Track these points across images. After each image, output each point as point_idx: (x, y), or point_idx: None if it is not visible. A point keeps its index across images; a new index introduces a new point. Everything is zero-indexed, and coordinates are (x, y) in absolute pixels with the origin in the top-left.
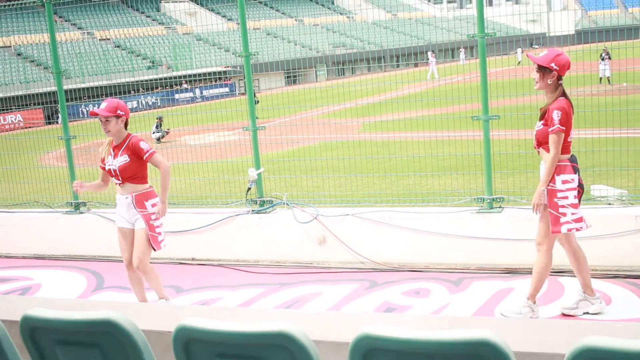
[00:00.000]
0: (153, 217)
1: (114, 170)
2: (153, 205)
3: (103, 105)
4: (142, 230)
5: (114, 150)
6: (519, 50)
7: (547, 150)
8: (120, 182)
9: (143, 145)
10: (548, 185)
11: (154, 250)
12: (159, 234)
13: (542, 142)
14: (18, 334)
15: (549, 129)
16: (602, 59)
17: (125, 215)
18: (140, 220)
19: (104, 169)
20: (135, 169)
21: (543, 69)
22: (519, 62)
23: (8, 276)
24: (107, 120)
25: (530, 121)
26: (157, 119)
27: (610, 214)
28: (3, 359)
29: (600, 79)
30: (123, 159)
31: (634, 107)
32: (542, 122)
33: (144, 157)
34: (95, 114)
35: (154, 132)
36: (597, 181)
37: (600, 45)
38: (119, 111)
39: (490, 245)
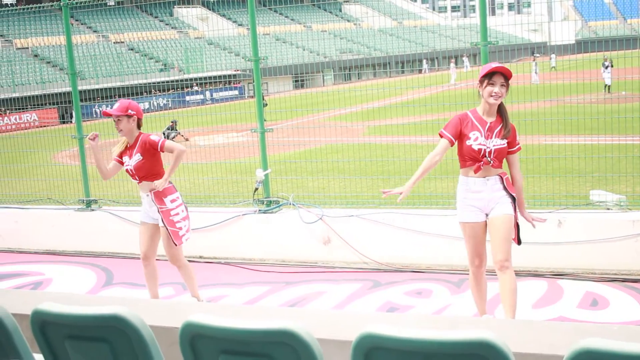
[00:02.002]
0: (173, 212)
1: (130, 170)
2: (172, 201)
3: (115, 105)
4: (163, 228)
5: (128, 151)
6: (553, 55)
7: (500, 166)
8: (138, 181)
9: (154, 137)
10: (513, 195)
11: (175, 244)
12: (180, 228)
13: (500, 159)
14: (29, 328)
15: (517, 147)
16: (606, 68)
17: (149, 212)
18: (160, 218)
19: (119, 162)
20: (149, 167)
21: (508, 84)
22: (553, 67)
23: (20, 271)
24: (118, 120)
25: (531, 127)
26: (171, 122)
27: (609, 219)
28: (14, 351)
29: (606, 86)
30: (137, 158)
31: (633, 115)
32: (505, 140)
33: (159, 148)
34: (107, 114)
35: (164, 132)
36: (596, 186)
37: (600, 54)
38: (129, 111)
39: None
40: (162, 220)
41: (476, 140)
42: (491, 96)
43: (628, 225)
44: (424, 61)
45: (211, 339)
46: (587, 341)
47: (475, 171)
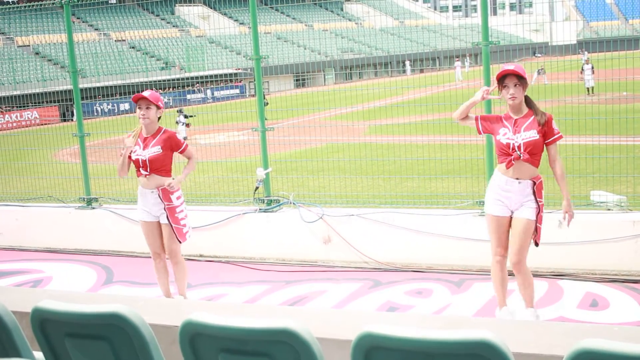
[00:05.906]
0: (178, 210)
1: (143, 161)
2: (178, 198)
3: (147, 93)
4: (167, 226)
5: (143, 142)
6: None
7: (535, 163)
8: (148, 173)
9: (180, 137)
10: (539, 201)
11: (179, 242)
12: (184, 225)
13: (533, 152)
14: (29, 326)
15: (556, 136)
16: (584, 70)
17: (152, 210)
18: (164, 215)
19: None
20: (163, 161)
21: (523, 81)
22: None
23: (20, 268)
24: (148, 108)
25: None
26: (177, 111)
27: (609, 220)
28: (14, 349)
29: (587, 89)
30: (155, 150)
31: (634, 116)
32: (534, 131)
33: (180, 150)
34: (141, 97)
35: (177, 120)
36: (596, 187)
37: (601, 55)
38: (159, 103)
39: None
40: (168, 217)
41: (505, 135)
42: (508, 98)
43: (628, 226)
44: (407, 62)
45: (211, 337)
46: (587, 341)
47: (507, 166)
